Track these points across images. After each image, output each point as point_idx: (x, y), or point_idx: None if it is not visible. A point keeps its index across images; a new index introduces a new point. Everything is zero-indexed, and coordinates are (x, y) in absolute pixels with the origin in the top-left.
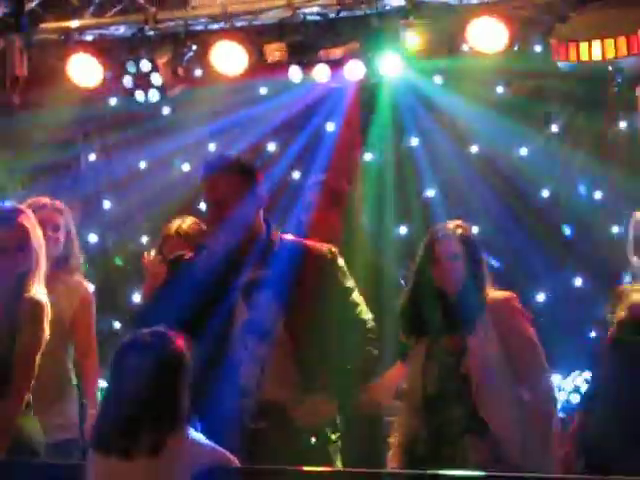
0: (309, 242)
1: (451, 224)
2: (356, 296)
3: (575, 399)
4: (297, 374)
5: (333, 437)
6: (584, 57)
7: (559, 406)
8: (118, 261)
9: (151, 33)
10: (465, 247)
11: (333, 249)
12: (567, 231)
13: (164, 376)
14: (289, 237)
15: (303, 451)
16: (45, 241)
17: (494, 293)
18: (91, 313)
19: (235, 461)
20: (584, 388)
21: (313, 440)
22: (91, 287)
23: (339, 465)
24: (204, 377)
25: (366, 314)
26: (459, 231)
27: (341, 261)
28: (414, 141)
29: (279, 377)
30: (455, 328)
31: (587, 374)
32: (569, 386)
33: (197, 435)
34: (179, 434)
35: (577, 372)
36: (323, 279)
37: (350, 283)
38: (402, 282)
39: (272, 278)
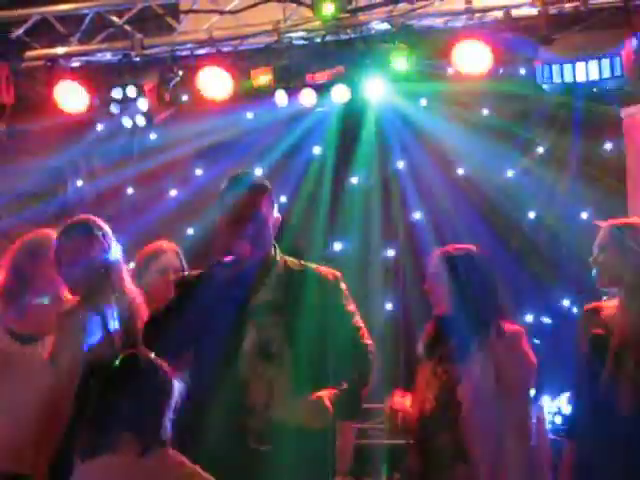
0: (314, 265)
1: (451, 246)
2: (358, 319)
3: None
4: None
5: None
6: (568, 79)
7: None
8: None
9: (137, 59)
10: (449, 267)
11: (337, 273)
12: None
13: (152, 395)
14: (291, 259)
15: (309, 475)
16: None
17: (506, 326)
18: None
19: None
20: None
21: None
22: None
23: None
24: (210, 396)
25: (367, 339)
26: (447, 251)
27: (343, 285)
28: (400, 164)
29: (286, 398)
30: (451, 354)
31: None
32: (553, 408)
33: (181, 457)
34: (163, 452)
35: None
36: (328, 301)
37: (352, 307)
38: None
39: (279, 300)
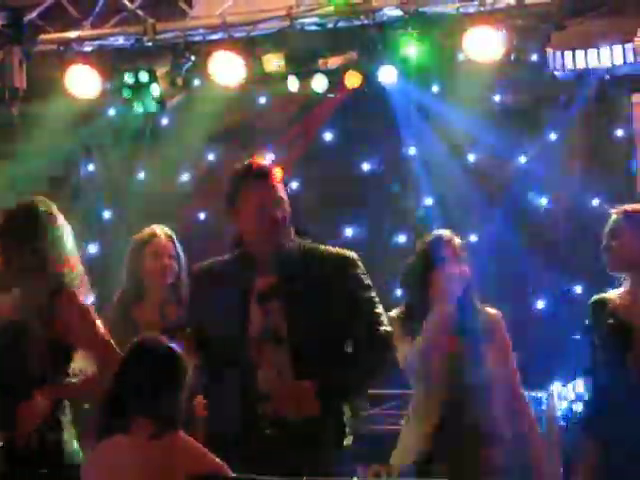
0: (328, 247)
1: (446, 231)
2: (377, 306)
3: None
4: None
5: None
6: (580, 65)
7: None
8: None
9: (150, 44)
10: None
11: (353, 255)
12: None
13: (165, 378)
14: (308, 242)
15: (320, 457)
16: None
17: (488, 308)
18: None
19: (228, 470)
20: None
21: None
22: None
23: None
24: (219, 379)
25: (386, 326)
26: (457, 239)
27: (361, 267)
28: (412, 150)
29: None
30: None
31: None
32: (570, 395)
33: (192, 440)
34: (175, 434)
35: (578, 379)
36: (344, 286)
37: (370, 292)
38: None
39: (289, 283)
